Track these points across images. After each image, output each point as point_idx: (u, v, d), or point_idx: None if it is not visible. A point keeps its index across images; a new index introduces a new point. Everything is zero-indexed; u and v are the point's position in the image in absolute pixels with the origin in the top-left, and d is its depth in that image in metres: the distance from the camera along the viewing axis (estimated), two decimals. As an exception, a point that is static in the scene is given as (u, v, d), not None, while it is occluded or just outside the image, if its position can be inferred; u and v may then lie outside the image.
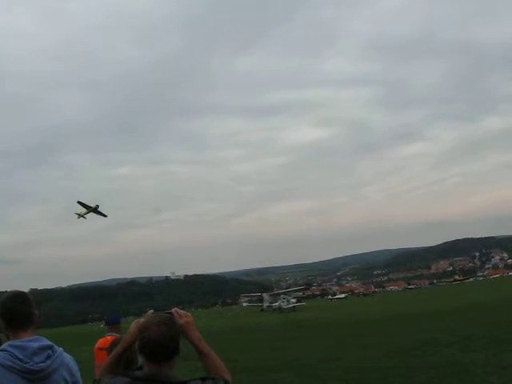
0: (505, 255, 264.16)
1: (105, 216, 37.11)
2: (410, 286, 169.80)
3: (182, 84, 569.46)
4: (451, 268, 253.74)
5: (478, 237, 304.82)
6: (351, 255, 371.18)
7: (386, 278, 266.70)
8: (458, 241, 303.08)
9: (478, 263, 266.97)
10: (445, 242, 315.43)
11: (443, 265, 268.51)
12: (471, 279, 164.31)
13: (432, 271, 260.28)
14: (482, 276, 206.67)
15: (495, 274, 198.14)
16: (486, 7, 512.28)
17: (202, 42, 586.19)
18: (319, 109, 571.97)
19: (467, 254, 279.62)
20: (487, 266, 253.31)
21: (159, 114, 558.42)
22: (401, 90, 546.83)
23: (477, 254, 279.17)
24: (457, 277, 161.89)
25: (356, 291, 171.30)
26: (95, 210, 35.62)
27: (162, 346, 2.35)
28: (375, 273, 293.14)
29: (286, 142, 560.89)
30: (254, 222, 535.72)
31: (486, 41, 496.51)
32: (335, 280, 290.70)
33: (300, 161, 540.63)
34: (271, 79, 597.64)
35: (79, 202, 34.97)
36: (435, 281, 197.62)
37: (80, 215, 36.11)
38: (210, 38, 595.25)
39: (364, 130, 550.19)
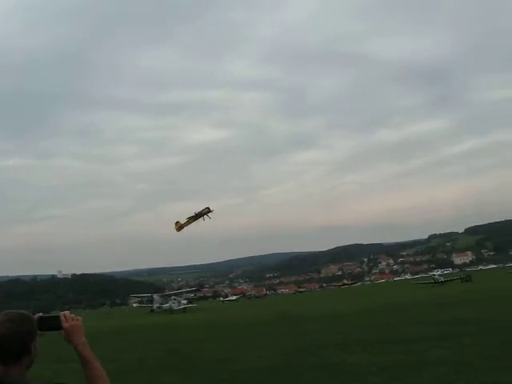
0: (391, 261, 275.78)
1: None
2: (300, 290, 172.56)
3: (83, 76, 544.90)
4: (340, 272, 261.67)
5: (367, 243, 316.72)
6: (245, 258, 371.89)
7: (277, 281, 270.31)
8: (348, 246, 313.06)
9: (366, 268, 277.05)
10: (336, 247, 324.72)
11: (333, 269, 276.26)
12: (359, 283, 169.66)
13: (322, 275, 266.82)
14: (369, 281, 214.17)
15: (381, 279, 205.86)
16: (386, 24, 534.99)
17: (108, 34, 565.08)
18: (220, 110, 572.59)
19: (356, 260, 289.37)
20: (374, 271, 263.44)
21: (56, 104, 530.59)
22: (300, 97, 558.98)
23: (365, 260, 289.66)
24: (345, 281, 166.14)
25: (248, 293, 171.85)
26: None
27: (5, 344, 2.18)
28: (267, 276, 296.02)
29: (184, 141, 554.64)
30: (147, 222, 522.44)
31: (384, 56, 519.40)
32: (227, 282, 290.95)
33: (197, 161, 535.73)
34: (173, 77, 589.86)
35: None
36: (325, 284, 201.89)
37: None
38: (117, 31, 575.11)
39: (263, 134, 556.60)
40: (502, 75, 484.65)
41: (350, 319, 26.95)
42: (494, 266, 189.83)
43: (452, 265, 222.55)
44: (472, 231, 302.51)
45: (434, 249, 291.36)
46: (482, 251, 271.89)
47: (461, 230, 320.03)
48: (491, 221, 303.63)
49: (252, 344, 18.92)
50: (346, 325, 23.59)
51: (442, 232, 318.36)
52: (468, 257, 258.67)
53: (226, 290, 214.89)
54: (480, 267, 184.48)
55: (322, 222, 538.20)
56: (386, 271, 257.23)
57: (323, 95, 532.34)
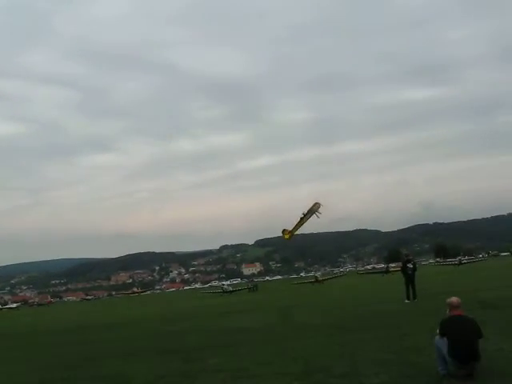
0: (182, 270, 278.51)
1: None
2: (88, 297, 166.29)
3: None
4: (131, 280, 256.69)
5: (160, 251, 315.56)
6: (29, 262, 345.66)
7: (64, 287, 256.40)
8: (140, 254, 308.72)
9: (158, 277, 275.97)
10: (127, 255, 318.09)
11: (123, 277, 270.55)
12: (148, 292, 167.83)
13: (112, 283, 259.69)
14: (160, 289, 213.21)
15: (172, 288, 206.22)
16: (196, 36, 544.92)
17: None
18: (13, 103, 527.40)
19: (148, 268, 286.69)
20: (165, 280, 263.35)
21: None
22: (102, 98, 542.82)
23: (157, 268, 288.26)
24: (135, 289, 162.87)
25: (30, 301, 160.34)
26: None
27: None
28: (53, 282, 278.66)
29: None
30: None
31: (191, 67, 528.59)
32: (8, 288, 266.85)
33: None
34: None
35: None
36: (114, 292, 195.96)
37: None
38: None
39: (57, 133, 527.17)
40: (299, 98, 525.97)
41: (133, 327, 26.35)
42: (279, 277, 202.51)
43: (241, 275, 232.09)
44: (261, 244, 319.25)
45: (225, 259, 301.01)
46: (270, 263, 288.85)
47: (251, 242, 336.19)
48: (279, 234, 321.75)
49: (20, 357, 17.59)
50: (129, 333, 22.86)
51: (233, 243, 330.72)
52: (257, 268, 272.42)
53: (6, 297, 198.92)
54: (267, 278, 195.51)
55: (114, 229, 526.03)
56: (178, 280, 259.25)
57: (126, 99, 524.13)
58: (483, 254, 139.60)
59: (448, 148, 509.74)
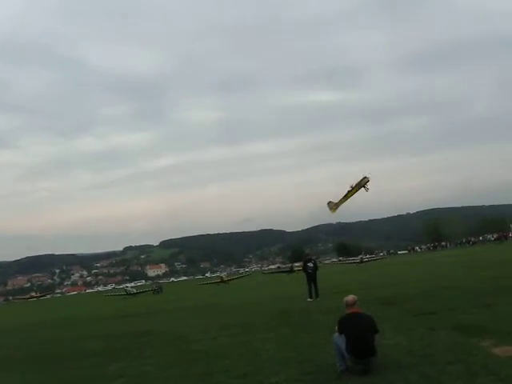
0: (84, 273, 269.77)
1: None
2: None
3: None
4: (29, 284, 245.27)
5: (60, 253, 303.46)
6: None
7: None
8: (39, 256, 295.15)
9: (58, 280, 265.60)
10: (25, 257, 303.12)
11: (21, 281, 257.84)
12: (48, 296, 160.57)
13: (9, 287, 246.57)
14: (61, 293, 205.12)
15: (73, 291, 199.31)
16: (101, 31, 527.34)
17: None
18: None
19: (48, 271, 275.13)
20: (66, 283, 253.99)
21: None
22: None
23: (57, 271, 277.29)
24: (33, 293, 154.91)
25: None
26: None
27: None
28: None
29: None
30: None
31: (96, 63, 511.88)
32: None
33: None
34: None
35: None
36: (11, 297, 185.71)
37: None
38: None
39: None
40: (206, 98, 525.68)
41: (20, 334, 24.96)
42: (185, 277, 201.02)
43: (146, 277, 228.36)
44: (167, 244, 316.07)
45: (129, 261, 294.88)
46: (176, 264, 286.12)
47: (156, 243, 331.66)
48: (185, 235, 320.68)
49: None
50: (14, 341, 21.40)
51: (137, 244, 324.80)
52: (162, 269, 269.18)
53: None
54: (172, 279, 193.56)
55: (11, 230, 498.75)
56: (79, 283, 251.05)
57: (24, 94, 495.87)
58: (384, 252, 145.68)
59: (351, 150, 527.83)
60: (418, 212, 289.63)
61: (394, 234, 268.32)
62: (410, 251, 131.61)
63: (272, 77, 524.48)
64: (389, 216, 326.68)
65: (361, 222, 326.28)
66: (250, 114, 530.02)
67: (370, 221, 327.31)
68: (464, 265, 34.72)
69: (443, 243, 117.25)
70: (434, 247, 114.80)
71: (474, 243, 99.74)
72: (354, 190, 25.18)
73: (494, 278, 20.77)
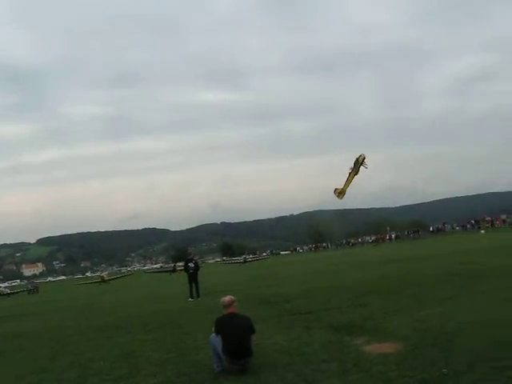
0: None
1: None
2: None
3: None
4: None
5: None
6: None
7: None
8: None
9: None
10: None
11: None
12: None
13: None
14: None
15: None
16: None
17: None
18: None
19: None
20: None
21: None
22: None
23: None
24: None
25: None
26: None
27: None
28: None
29: None
30: None
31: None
32: None
33: None
34: None
35: None
36: None
37: None
38: None
39: None
40: (93, 92, 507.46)
41: None
42: (63, 277, 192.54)
43: (21, 276, 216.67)
44: (44, 242, 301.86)
45: (3, 259, 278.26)
46: (54, 263, 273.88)
47: (33, 241, 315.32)
48: (64, 233, 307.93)
49: None
50: None
51: (12, 242, 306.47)
52: (39, 268, 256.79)
53: None
54: (49, 279, 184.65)
55: None
56: None
57: None
58: (267, 252, 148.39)
59: (238, 150, 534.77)
60: (301, 213, 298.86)
61: (277, 234, 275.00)
62: (292, 252, 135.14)
63: (164, 74, 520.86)
64: (273, 217, 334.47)
65: (246, 222, 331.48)
66: (138, 110, 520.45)
67: (255, 221, 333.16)
68: (342, 265, 36.13)
69: (324, 244, 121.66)
70: (316, 248, 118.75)
71: (353, 245, 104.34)
72: (354, 171, 24.45)
73: (369, 278, 21.74)
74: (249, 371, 8.19)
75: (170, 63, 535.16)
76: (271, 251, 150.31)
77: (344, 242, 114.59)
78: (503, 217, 75.66)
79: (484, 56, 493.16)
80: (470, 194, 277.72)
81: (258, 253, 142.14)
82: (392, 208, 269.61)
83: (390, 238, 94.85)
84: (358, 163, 20.57)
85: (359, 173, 20.56)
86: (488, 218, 77.46)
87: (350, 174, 23.06)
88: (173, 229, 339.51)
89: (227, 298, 8.74)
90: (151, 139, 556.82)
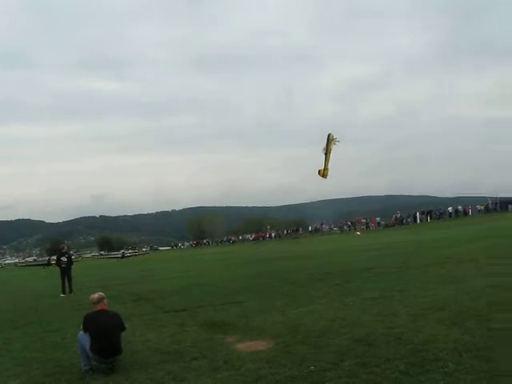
0: None
1: None
2: None
3: None
4: None
5: None
6: None
7: None
8: None
9: None
10: None
11: None
12: None
13: None
14: None
15: None
16: None
17: None
18: None
19: None
20: None
21: None
22: None
23: None
24: None
25: None
26: None
27: None
28: None
29: None
30: None
31: None
32: None
33: None
34: None
35: None
36: None
37: None
38: None
39: None
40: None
41: None
42: None
43: None
44: None
45: None
46: None
47: None
48: None
49: None
50: None
51: None
52: None
53: None
54: None
55: None
56: None
57: None
58: (146, 247, 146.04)
59: (122, 142, 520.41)
60: (184, 209, 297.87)
61: (159, 229, 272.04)
62: (173, 247, 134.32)
63: (49, 59, 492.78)
64: (155, 212, 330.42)
65: (126, 216, 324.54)
66: (18, 95, 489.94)
67: (136, 215, 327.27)
68: (221, 262, 36.37)
69: (205, 241, 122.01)
70: (197, 244, 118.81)
71: (233, 242, 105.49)
72: (329, 148, 23.87)
73: (246, 276, 21.99)
74: (118, 370, 7.99)
75: (54, 49, 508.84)
76: (151, 246, 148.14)
77: (225, 239, 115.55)
78: (378, 219, 79.93)
79: (371, 66, 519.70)
80: (349, 197, 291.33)
81: (137, 248, 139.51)
82: (274, 207, 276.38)
83: (270, 236, 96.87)
84: (330, 141, 20.93)
85: (331, 151, 20.96)
86: (363, 220, 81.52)
87: (325, 154, 23.56)
88: (48, 220, 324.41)
89: (96, 295, 8.50)
90: (30, 126, 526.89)
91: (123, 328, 8.38)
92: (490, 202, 67.08)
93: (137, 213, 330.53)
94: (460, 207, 69.64)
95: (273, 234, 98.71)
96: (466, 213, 67.37)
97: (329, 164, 21.37)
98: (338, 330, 9.17)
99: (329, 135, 21.67)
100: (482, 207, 66.34)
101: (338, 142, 22.53)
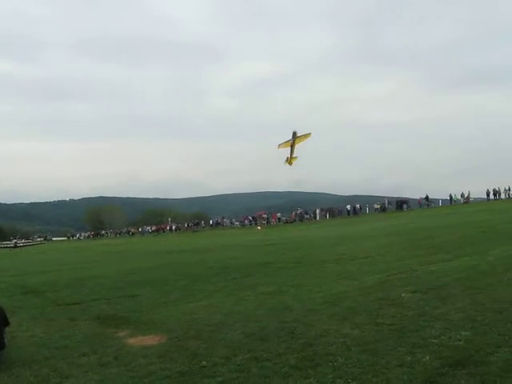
0: None
1: None
2: None
3: None
4: None
5: None
6: None
7: None
8: None
9: None
10: None
11: None
12: None
13: None
14: None
15: None
16: None
17: None
18: None
19: None
20: None
21: None
22: None
23: None
24: None
25: None
26: None
27: None
28: None
29: None
30: None
31: None
32: None
33: None
34: None
35: None
36: None
37: None
38: None
39: None
40: None
41: None
42: None
43: None
44: None
45: None
46: None
47: None
48: None
49: None
50: None
51: None
52: None
53: None
54: None
55: None
56: None
57: None
58: (41, 237, 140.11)
59: (17, 126, 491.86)
60: (82, 199, 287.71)
61: (55, 219, 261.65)
62: (69, 238, 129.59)
63: None
64: (52, 200, 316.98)
65: (22, 204, 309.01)
66: None
67: (32, 204, 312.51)
68: (119, 255, 35.58)
69: (103, 232, 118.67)
70: (95, 235, 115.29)
71: (133, 234, 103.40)
72: (295, 142, 24.24)
73: (143, 269, 21.61)
74: (0, 366, 7.57)
75: None
76: (45, 236, 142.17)
77: (124, 230, 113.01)
78: (278, 215, 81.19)
79: (274, 63, 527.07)
80: (251, 192, 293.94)
81: (31, 237, 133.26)
82: (175, 199, 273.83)
83: (171, 229, 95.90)
84: (297, 138, 22.71)
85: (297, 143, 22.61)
86: (265, 215, 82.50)
87: (291, 146, 24.90)
88: None
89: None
90: None
91: (7, 323, 7.98)
92: (387, 201, 70.43)
93: (33, 201, 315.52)
94: (358, 205, 72.31)
95: (173, 227, 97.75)
96: (361, 210, 70.18)
97: (294, 155, 23.53)
98: (233, 325, 9.19)
99: (294, 133, 23.78)
100: (379, 206, 69.21)
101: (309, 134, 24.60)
